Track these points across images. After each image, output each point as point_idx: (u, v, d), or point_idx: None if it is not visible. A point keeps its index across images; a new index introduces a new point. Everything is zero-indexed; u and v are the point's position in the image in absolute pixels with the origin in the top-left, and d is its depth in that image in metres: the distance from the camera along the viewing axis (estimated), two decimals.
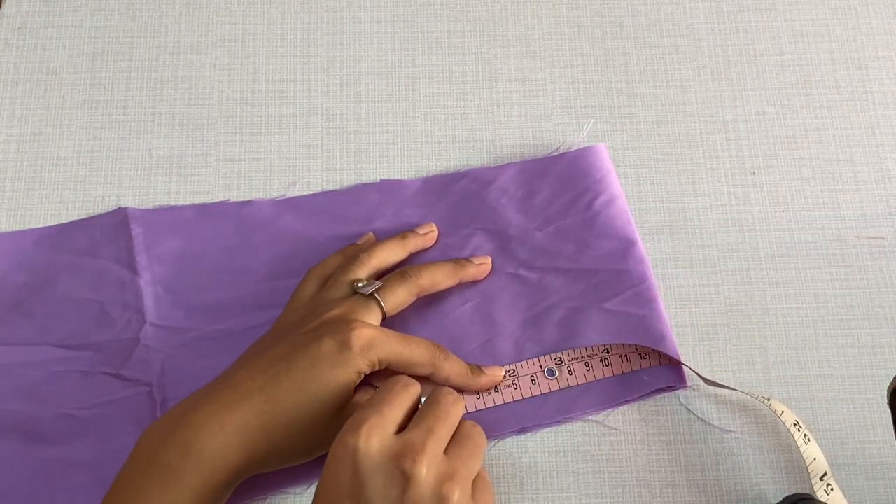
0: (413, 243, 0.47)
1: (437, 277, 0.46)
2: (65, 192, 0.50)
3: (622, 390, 0.46)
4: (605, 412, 0.46)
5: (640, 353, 0.46)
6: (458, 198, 0.50)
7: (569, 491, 0.45)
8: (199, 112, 0.52)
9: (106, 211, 0.50)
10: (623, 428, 0.46)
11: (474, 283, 0.48)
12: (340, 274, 0.45)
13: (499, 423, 0.45)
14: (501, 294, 0.48)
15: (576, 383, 0.46)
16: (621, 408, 0.46)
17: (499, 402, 0.45)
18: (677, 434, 0.46)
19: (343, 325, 0.40)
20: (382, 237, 0.49)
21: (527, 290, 0.48)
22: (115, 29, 0.54)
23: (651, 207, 0.50)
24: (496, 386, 0.46)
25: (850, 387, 0.47)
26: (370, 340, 0.40)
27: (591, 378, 0.46)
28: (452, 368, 0.44)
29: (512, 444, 0.46)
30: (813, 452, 0.43)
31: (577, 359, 0.46)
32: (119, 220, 0.49)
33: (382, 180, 0.51)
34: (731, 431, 0.46)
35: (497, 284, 0.48)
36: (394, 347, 0.41)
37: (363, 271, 0.45)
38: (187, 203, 0.50)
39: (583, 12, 0.55)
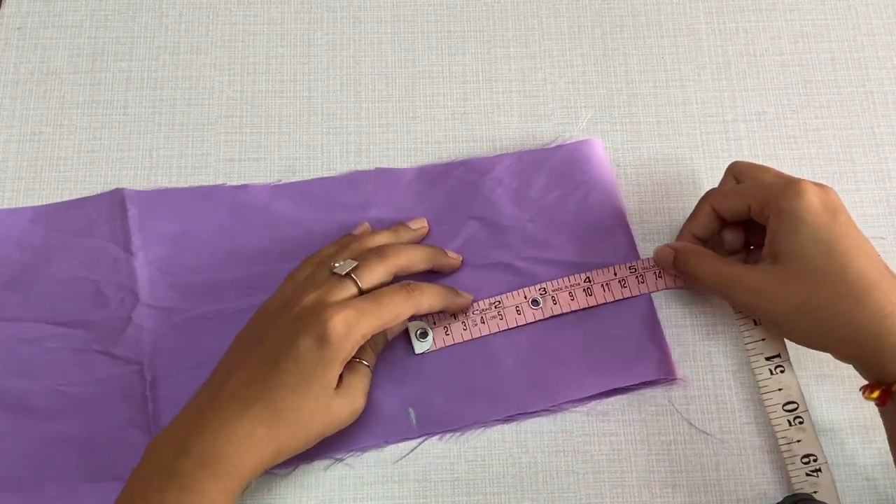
0: (406, 236, 0.48)
1: (415, 259, 0.46)
2: (65, 192, 0.50)
3: (610, 380, 0.46)
4: (592, 402, 0.46)
5: (619, 282, 0.47)
6: (453, 187, 0.50)
7: (569, 491, 0.45)
8: (199, 112, 0.52)
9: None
10: (623, 428, 0.46)
11: (473, 274, 0.48)
12: (328, 260, 0.45)
13: (485, 410, 0.46)
14: (492, 283, 0.48)
15: (560, 311, 0.47)
16: (621, 408, 0.46)
17: (485, 332, 0.47)
18: (677, 434, 0.46)
19: (317, 319, 0.40)
20: (377, 225, 0.49)
21: (518, 279, 0.48)
22: (115, 29, 0.54)
23: (651, 207, 0.50)
24: (482, 317, 0.47)
25: (851, 387, 0.46)
26: (346, 327, 0.40)
27: (574, 307, 0.47)
28: (431, 296, 0.44)
29: (512, 444, 0.46)
30: (779, 383, 0.45)
31: (560, 289, 0.47)
32: (116, 201, 0.49)
33: (378, 168, 0.51)
34: (721, 440, 0.46)
35: (489, 274, 0.48)
36: (369, 320, 0.41)
37: (349, 257, 0.45)
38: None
39: (583, 12, 0.55)
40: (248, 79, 0.53)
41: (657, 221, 0.50)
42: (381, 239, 0.47)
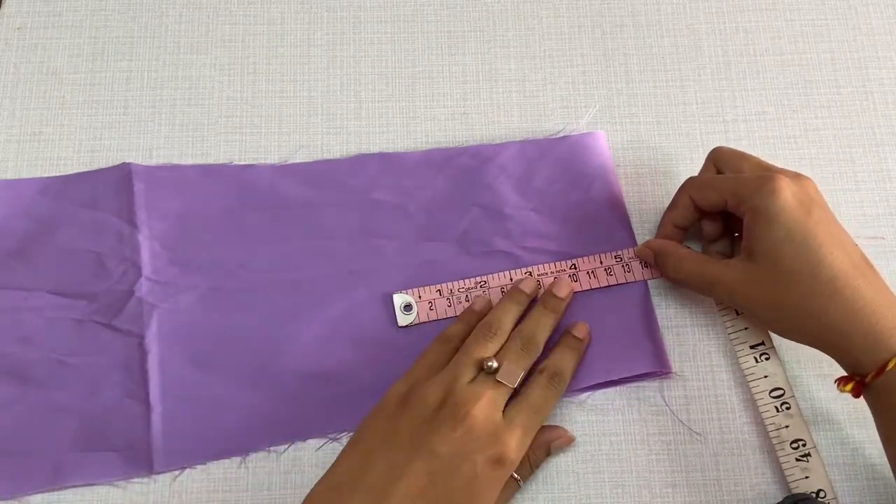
0: (524, 297, 0.47)
1: (546, 333, 0.45)
2: None
3: (605, 372, 0.46)
4: (587, 393, 0.47)
5: (605, 270, 0.48)
6: (457, 172, 0.50)
7: (569, 491, 0.45)
8: (199, 112, 0.52)
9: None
10: (623, 428, 0.46)
11: (473, 261, 0.49)
12: (473, 352, 0.43)
13: None
14: (492, 271, 0.48)
15: None
16: (621, 409, 0.46)
17: None
18: (677, 434, 0.46)
19: (493, 440, 0.40)
20: (380, 207, 0.49)
21: (519, 268, 0.48)
22: (115, 29, 0.54)
23: (651, 207, 0.50)
24: (467, 295, 0.47)
25: None
26: (519, 451, 0.41)
27: None
28: (569, 370, 0.44)
29: None
30: (764, 370, 0.45)
31: (546, 274, 0.48)
32: (122, 175, 0.50)
33: (382, 152, 0.51)
34: (720, 440, 0.46)
35: (489, 261, 0.49)
36: (532, 434, 0.42)
37: (490, 349, 0.44)
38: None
39: (583, 12, 0.55)
40: (248, 79, 0.53)
41: (657, 221, 0.50)
42: (513, 312, 0.46)
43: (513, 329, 0.45)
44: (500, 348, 0.44)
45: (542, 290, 0.48)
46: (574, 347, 0.45)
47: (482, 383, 0.42)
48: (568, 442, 0.45)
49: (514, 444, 0.41)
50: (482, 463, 0.40)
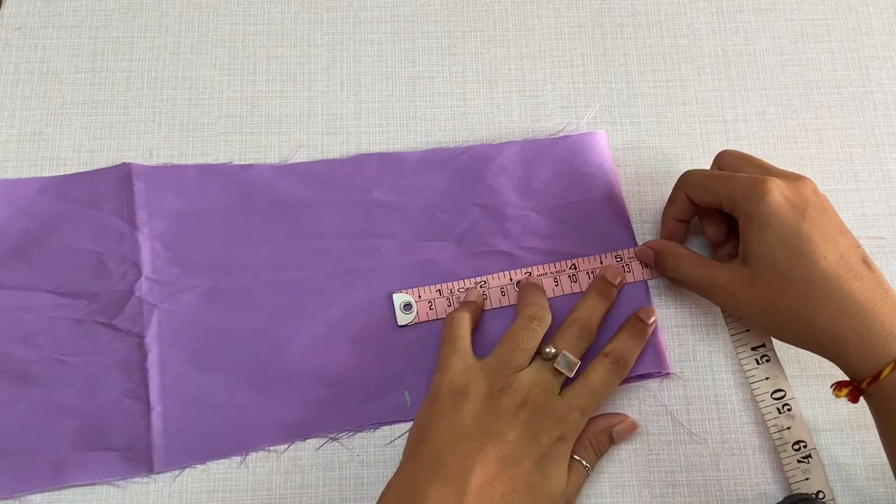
0: (540, 289, 0.47)
1: (600, 317, 0.46)
2: None
3: None
4: None
5: None
6: (457, 173, 0.50)
7: None
8: (199, 112, 0.52)
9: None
10: None
11: (473, 261, 0.49)
12: (528, 342, 0.44)
13: None
14: (492, 271, 0.48)
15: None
16: (621, 408, 0.46)
17: None
18: (677, 434, 0.46)
19: (556, 420, 0.42)
20: (380, 207, 0.49)
21: (518, 268, 0.49)
22: (115, 29, 0.54)
23: (651, 208, 0.50)
24: (466, 295, 0.47)
25: None
26: (576, 431, 0.42)
27: (559, 293, 0.48)
28: (632, 356, 0.45)
29: None
30: (766, 372, 0.46)
31: (545, 274, 0.48)
32: (123, 175, 0.50)
33: (382, 152, 0.51)
34: (720, 440, 0.46)
35: (489, 261, 0.49)
36: (593, 411, 0.43)
37: (539, 334, 0.44)
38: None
39: (583, 12, 0.55)
40: (248, 79, 0.53)
41: (657, 221, 0.50)
42: (545, 300, 0.46)
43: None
44: (547, 334, 0.45)
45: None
46: (642, 332, 0.46)
47: (538, 369, 0.43)
48: (631, 428, 0.45)
49: (573, 424, 0.42)
50: (547, 443, 0.41)
